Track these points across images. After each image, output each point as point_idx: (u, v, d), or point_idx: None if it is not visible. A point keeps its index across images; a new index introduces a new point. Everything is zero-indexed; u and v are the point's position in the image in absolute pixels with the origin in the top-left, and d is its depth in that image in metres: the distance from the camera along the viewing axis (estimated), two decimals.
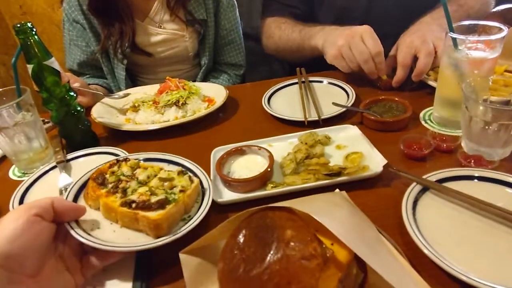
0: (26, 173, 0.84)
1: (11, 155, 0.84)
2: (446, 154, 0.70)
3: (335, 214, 0.44)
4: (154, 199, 0.56)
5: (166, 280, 0.53)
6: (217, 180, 0.70)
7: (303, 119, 0.86)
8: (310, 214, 0.40)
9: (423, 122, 0.82)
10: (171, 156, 0.71)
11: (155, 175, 0.63)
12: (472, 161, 0.65)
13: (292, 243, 0.38)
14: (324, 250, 0.40)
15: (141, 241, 0.54)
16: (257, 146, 0.73)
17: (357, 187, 0.65)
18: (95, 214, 0.59)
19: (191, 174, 0.63)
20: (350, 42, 0.92)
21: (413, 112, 0.82)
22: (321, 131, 0.78)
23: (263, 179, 0.67)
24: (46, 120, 1.00)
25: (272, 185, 0.66)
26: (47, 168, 0.81)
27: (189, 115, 0.95)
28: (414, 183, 0.60)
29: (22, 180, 0.78)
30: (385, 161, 0.66)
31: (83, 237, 0.51)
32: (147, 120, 0.95)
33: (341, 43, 0.93)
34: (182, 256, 0.49)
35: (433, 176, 0.61)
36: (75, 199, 0.63)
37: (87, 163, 0.83)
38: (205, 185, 0.64)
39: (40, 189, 0.76)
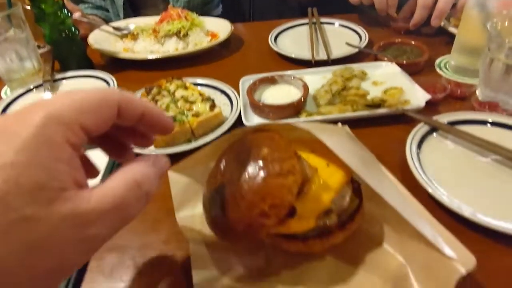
0: None
1: (3, 74, 0.81)
2: (459, 101, 0.66)
3: (336, 138, 0.41)
4: None
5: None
6: (247, 109, 0.66)
7: (310, 59, 0.81)
8: (310, 130, 0.37)
9: (438, 69, 0.77)
10: (224, 85, 0.72)
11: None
12: (487, 106, 0.61)
13: (267, 160, 0.35)
14: (305, 169, 0.37)
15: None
16: (290, 76, 0.69)
17: (384, 122, 0.62)
18: None
19: (215, 104, 0.63)
20: None
21: (429, 59, 0.76)
22: (357, 67, 0.74)
23: (297, 107, 0.64)
24: (42, 45, 0.96)
25: (306, 114, 0.63)
26: (32, 86, 0.78)
27: (191, 48, 0.89)
28: (422, 123, 0.56)
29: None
30: (428, 97, 0.62)
31: None
32: (145, 49, 0.90)
33: None
34: (170, 173, 0.46)
35: (443, 119, 0.57)
36: None
37: (75, 85, 0.80)
38: (231, 118, 0.64)
39: (22, 106, 0.74)
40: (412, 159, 0.50)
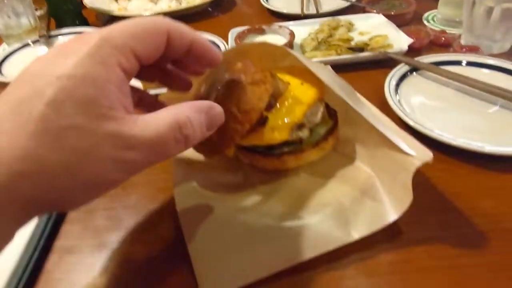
0: None
1: (1, 30, 0.83)
2: (443, 48, 0.67)
3: (317, 66, 0.42)
4: None
5: None
6: None
7: (299, 13, 0.82)
8: (290, 52, 0.39)
9: (425, 22, 0.78)
10: (213, 36, 0.73)
11: None
12: (467, 49, 0.62)
13: (240, 73, 0.37)
14: (278, 84, 0.39)
15: None
16: (278, 25, 0.71)
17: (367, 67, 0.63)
18: None
19: None
20: None
21: (416, 13, 0.78)
22: (344, 18, 0.76)
23: None
24: (38, 8, 0.98)
25: None
26: (29, 41, 0.80)
27: (183, 6, 0.91)
28: (402, 64, 0.58)
29: None
30: (410, 40, 0.64)
31: None
32: (139, 9, 0.91)
33: None
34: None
35: (423, 60, 0.58)
36: None
37: None
38: None
39: (18, 59, 0.76)
40: (390, 93, 0.52)
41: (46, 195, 0.21)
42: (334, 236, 0.35)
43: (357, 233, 0.35)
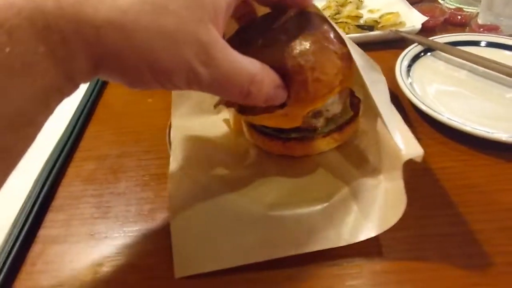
0: None
1: None
2: (459, 28, 0.63)
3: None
4: None
5: None
6: None
7: None
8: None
9: (440, 0, 0.73)
10: None
11: None
12: (485, 28, 0.58)
13: (329, 36, 0.31)
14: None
15: None
16: None
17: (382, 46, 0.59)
18: None
19: None
20: None
21: None
22: None
23: None
24: None
25: None
26: None
27: None
28: (415, 44, 0.54)
29: None
30: (424, 18, 0.59)
31: None
32: None
33: None
34: None
35: (438, 40, 0.54)
36: None
37: None
38: None
39: None
40: (401, 75, 0.48)
41: (121, 55, 0.21)
42: (323, 235, 0.31)
43: (345, 240, 0.31)
